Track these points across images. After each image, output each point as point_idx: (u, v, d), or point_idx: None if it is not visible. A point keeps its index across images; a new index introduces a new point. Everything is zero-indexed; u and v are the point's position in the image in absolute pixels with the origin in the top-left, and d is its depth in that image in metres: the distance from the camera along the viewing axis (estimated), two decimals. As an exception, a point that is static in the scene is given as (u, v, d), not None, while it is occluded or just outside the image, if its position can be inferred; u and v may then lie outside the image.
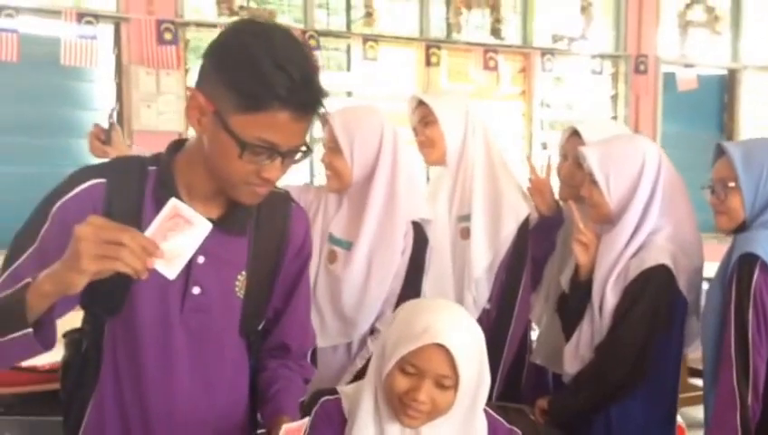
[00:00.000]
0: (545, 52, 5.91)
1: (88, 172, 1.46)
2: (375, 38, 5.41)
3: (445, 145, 2.52)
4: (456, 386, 1.64)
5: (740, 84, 6.60)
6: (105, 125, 2.66)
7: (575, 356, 2.29)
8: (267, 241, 1.55)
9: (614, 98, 6.27)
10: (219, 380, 1.56)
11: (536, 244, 2.56)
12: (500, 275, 2.51)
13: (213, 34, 1.64)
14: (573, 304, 2.32)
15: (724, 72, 6.63)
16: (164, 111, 4.65)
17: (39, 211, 1.42)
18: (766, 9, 6.73)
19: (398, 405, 1.64)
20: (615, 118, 6.17)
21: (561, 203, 2.56)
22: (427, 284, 2.39)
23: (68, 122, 4.57)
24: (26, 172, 4.39)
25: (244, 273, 1.54)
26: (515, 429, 1.84)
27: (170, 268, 1.24)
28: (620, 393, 2.19)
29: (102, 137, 2.63)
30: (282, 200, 1.59)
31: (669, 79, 6.26)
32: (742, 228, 2.07)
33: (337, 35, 5.42)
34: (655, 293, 2.13)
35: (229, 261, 1.51)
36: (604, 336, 2.21)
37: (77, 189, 1.42)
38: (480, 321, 2.24)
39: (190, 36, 4.82)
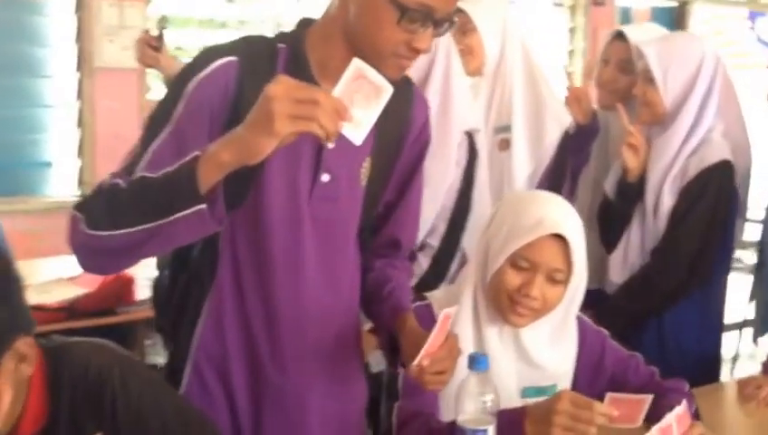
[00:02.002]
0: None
1: (219, 50, 1.36)
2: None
3: (484, 53, 2.42)
4: (566, 281, 1.59)
5: (690, 16, 6.68)
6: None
7: (624, 263, 2.26)
8: (392, 124, 1.45)
9: (572, 30, 6.26)
10: (343, 274, 1.50)
11: (572, 154, 2.50)
12: (541, 186, 2.44)
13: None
14: (622, 209, 2.28)
15: (675, 4, 6.70)
16: (129, 46, 4.37)
17: (173, 90, 1.34)
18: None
19: (506, 303, 1.59)
20: (572, 51, 6.18)
21: (597, 112, 2.50)
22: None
23: (22, 60, 4.24)
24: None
25: (368, 159, 1.45)
26: (602, 329, 1.80)
27: (357, 133, 1.15)
28: (675, 298, 2.16)
29: (154, 43, 2.52)
30: (404, 83, 1.49)
31: (624, 11, 6.30)
32: None
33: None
34: (717, 190, 2.11)
35: (356, 146, 1.40)
36: (660, 240, 2.18)
37: (210, 68, 1.33)
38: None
39: (153, -35, 4.57)
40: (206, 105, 1.30)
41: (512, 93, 2.43)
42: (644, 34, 2.32)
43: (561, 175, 2.43)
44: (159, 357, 2.80)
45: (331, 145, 1.14)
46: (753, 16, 6.76)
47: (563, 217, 1.58)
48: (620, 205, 2.28)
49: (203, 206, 1.17)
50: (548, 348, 1.67)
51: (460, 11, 2.44)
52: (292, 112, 1.10)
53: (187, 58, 2.76)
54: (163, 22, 2.54)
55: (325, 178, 1.40)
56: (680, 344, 2.16)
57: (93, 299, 2.71)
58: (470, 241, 2.34)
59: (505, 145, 2.45)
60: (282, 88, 1.11)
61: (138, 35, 2.74)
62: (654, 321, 2.21)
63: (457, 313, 1.64)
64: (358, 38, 1.31)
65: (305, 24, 1.42)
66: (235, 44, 1.38)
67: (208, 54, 1.35)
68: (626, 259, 2.26)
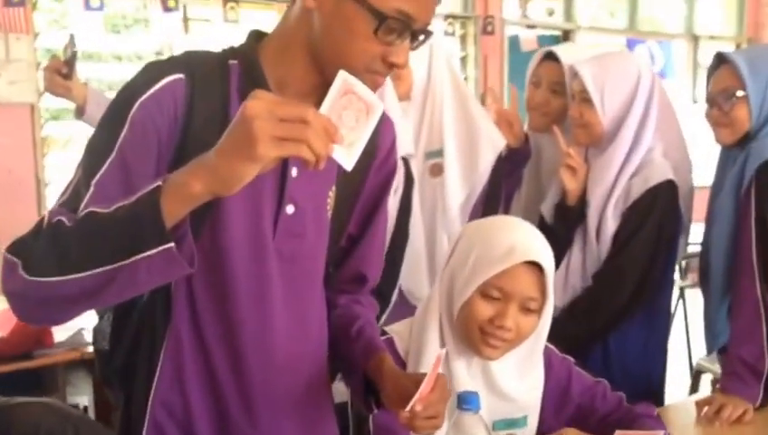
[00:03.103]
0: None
1: (163, 67, 1.19)
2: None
3: (411, 77, 2.33)
4: (540, 310, 1.51)
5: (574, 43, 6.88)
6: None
7: (564, 287, 2.20)
8: None
9: (464, 59, 6.32)
10: (312, 315, 1.36)
11: (504, 178, 2.45)
12: (476, 212, 2.36)
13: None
14: (562, 232, 2.22)
15: (559, 32, 6.89)
16: (15, 79, 4.07)
17: (114, 114, 1.16)
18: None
19: (478, 335, 1.50)
20: (466, 78, 6.24)
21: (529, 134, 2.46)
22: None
23: None
24: None
25: (333, 188, 1.32)
26: (567, 356, 1.74)
27: (348, 156, 1.02)
28: (620, 320, 2.12)
29: (64, 70, 2.28)
30: None
31: (513, 40, 6.42)
32: (744, 141, 2.05)
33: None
34: (662, 210, 2.08)
35: (322, 174, 1.24)
36: (603, 263, 2.13)
37: (155, 87, 1.16)
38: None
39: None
40: (152, 129, 1.15)
41: (442, 117, 2.35)
42: (575, 54, 2.29)
43: (496, 200, 2.36)
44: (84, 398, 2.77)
45: (322, 166, 0.99)
46: (631, 44, 7.03)
47: (535, 243, 1.51)
48: (560, 228, 2.22)
49: (170, 245, 1.01)
50: (516, 379, 1.60)
51: None
52: (278, 133, 0.96)
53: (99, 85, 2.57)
54: (72, 45, 2.29)
55: (290, 209, 1.26)
56: (626, 367, 2.12)
57: (8, 343, 2.53)
58: (406, 270, 2.25)
59: (437, 170, 2.37)
60: (264, 105, 0.96)
61: (26, 68, 2.52)
62: (599, 344, 2.16)
63: (424, 347, 1.55)
64: (325, 52, 1.18)
65: (256, 37, 1.27)
66: (181, 60, 1.22)
67: (151, 72, 1.19)
68: (566, 283, 2.20)
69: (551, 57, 2.35)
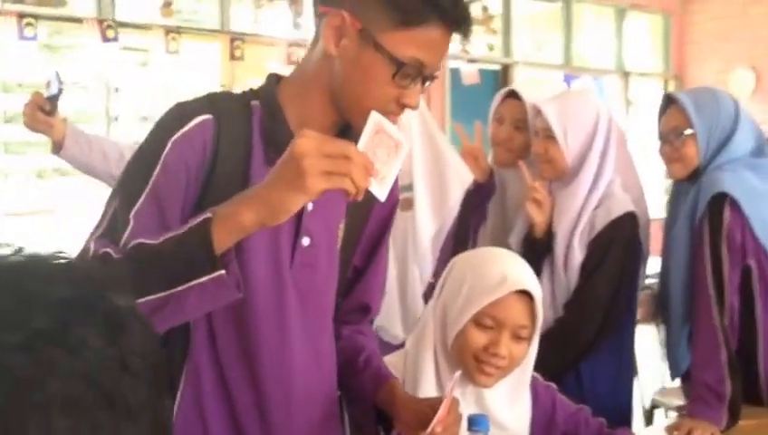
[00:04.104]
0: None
1: (193, 108, 1.27)
2: (177, 30, 5.10)
3: None
4: (530, 337, 1.58)
5: (513, 77, 7.07)
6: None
7: (534, 315, 2.28)
8: None
9: (406, 92, 6.42)
10: (324, 347, 1.40)
11: (471, 212, 2.52)
12: (447, 246, 2.43)
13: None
14: (529, 263, 2.30)
15: (499, 67, 7.08)
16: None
17: (148, 151, 1.24)
18: (531, 10, 7.28)
19: (473, 364, 1.55)
20: (408, 112, 6.34)
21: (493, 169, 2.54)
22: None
23: None
24: None
25: (344, 221, 1.38)
26: (551, 384, 1.80)
27: (382, 189, 1.12)
28: (591, 349, 2.20)
29: (47, 107, 2.26)
30: None
31: (455, 73, 6.57)
32: (694, 175, 2.18)
33: (137, 26, 5.02)
34: (625, 241, 2.17)
35: (334, 208, 1.34)
36: (573, 293, 2.21)
37: (187, 127, 1.24)
38: (425, 296, 2.16)
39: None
40: (182, 167, 1.23)
41: (411, 151, 2.42)
42: (536, 93, 2.39)
43: (466, 233, 2.44)
44: None
45: (360, 198, 1.09)
46: (567, 79, 7.26)
47: (525, 273, 1.59)
48: (529, 259, 2.29)
49: (222, 272, 1.07)
50: (507, 408, 1.65)
51: None
52: (325, 169, 1.06)
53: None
54: (58, 82, 2.27)
55: (306, 241, 1.31)
56: (597, 395, 2.19)
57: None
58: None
59: (407, 205, 2.43)
60: (312, 143, 1.06)
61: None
62: (572, 373, 2.24)
63: (420, 376, 1.60)
64: (345, 94, 1.27)
65: (275, 79, 1.35)
66: (207, 101, 1.29)
67: (182, 112, 1.27)
68: (536, 312, 2.28)
69: (513, 95, 2.44)
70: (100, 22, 4.76)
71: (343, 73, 1.25)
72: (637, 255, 2.23)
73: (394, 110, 1.26)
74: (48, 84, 2.33)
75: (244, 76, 5.55)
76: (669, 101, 2.23)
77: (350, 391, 1.45)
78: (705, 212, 2.08)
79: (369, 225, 1.45)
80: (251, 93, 1.33)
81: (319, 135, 1.09)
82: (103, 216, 1.22)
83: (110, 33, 4.80)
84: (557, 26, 7.31)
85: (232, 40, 5.36)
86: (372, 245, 1.48)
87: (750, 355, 2.09)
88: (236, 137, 1.26)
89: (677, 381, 2.49)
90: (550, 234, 2.27)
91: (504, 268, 1.56)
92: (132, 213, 1.19)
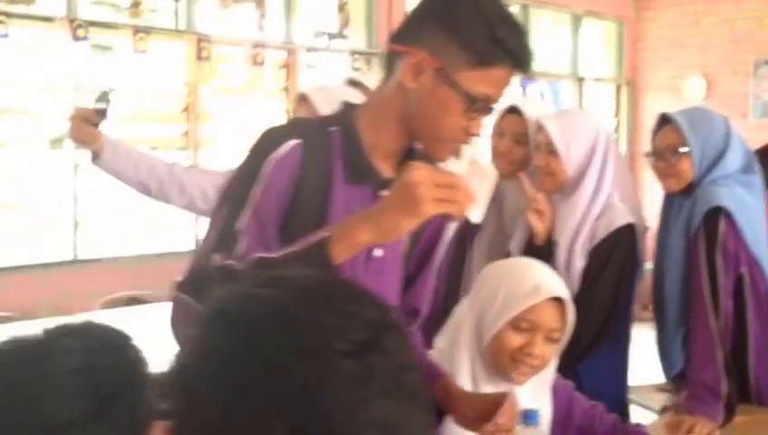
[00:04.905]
0: (310, 48, 5.99)
1: (285, 132, 1.42)
2: (146, 30, 5.09)
3: None
4: (560, 339, 1.72)
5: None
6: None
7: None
8: None
9: (368, 94, 6.49)
10: None
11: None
12: (450, 250, 2.52)
13: None
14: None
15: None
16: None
17: (248, 170, 1.41)
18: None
19: (509, 363, 1.70)
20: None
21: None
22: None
23: None
24: None
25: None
26: (569, 381, 1.95)
27: (476, 211, 1.27)
28: (592, 350, 2.32)
29: (95, 120, 2.34)
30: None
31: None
32: (686, 190, 2.32)
33: (106, 26, 5.00)
34: (624, 250, 2.30)
35: None
36: (574, 298, 2.31)
37: (282, 149, 1.39)
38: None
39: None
40: (278, 186, 1.38)
41: None
42: (538, 110, 2.50)
43: (468, 237, 2.53)
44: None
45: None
46: (524, 83, 7.42)
47: (557, 282, 1.74)
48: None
49: None
50: (532, 403, 1.76)
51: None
52: (437, 196, 1.21)
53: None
54: (108, 96, 2.37)
55: (378, 253, 1.44)
56: (595, 394, 2.31)
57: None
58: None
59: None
60: (425, 174, 1.23)
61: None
62: (570, 375, 2.35)
63: (457, 373, 1.73)
64: (420, 123, 1.41)
65: (349, 107, 1.50)
66: (295, 127, 1.47)
67: (277, 136, 1.42)
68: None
69: (513, 111, 2.54)
70: (71, 21, 4.73)
71: (419, 105, 1.39)
72: (635, 264, 2.36)
73: (461, 138, 1.40)
74: (99, 97, 2.41)
75: (209, 76, 5.57)
76: (664, 120, 2.37)
77: None
78: (701, 223, 2.23)
79: (426, 233, 1.58)
80: (328, 120, 1.48)
81: (429, 166, 1.23)
82: (212, 229, 1.39)
83: (81, 33, 4.77)
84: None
85: (198, 40, 5.37)
86: (426, 252, 1.61)
87: (741, 356, 2.24)
88: (320, 159, 1.40)
89: (644, 380, 2.66)
90: (550, 242, 2.38)
91: (537, 277, 1.71)
92: (240, 227, 1.34)
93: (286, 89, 5.97)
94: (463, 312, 1.79)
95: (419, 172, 1.22)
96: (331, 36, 6.19)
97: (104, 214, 5.10)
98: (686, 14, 7.66)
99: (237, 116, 5.71)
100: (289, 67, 5.96)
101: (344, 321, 0.60)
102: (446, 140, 1.41)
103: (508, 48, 1.36)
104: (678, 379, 2.37)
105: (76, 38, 4.76)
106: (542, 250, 2.38)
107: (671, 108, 2.50)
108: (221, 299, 0.68)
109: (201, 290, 1.25)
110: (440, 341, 1.82)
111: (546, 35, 7.65)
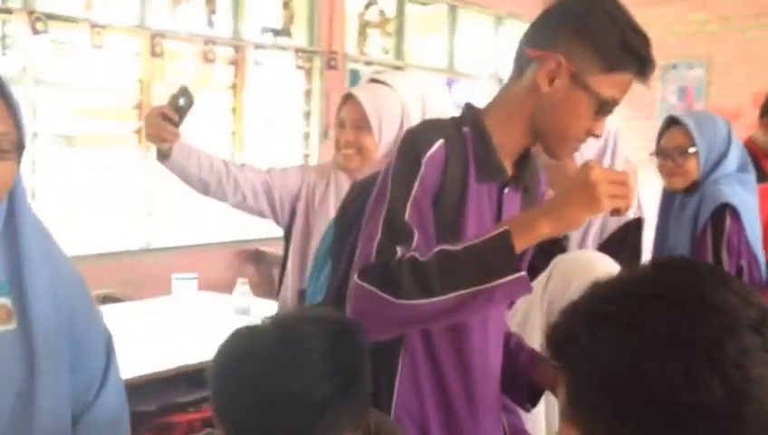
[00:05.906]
0: (258, 45, 6.06)
1: (434, 131, 1.52)
2: (102, 25, 5.07)
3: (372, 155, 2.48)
4: None
5: (403, 80, 7.41)
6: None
7: (548, 310, 2.65)
8: (534, 200, 1.70)
9: (308, 92, 6.61)
10: (502, 325, 1.73)
11: None
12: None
13: None
14: (540, 264, 2.66)
15: (392, 69, 7.40)
16: None
17: (407, 165, 1.49)
18: (425, 15, 7.68)
19: None
20: (309, 112, 6.57)
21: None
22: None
23: None
24: None
25: None
26: None
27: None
28: None
29: (176, 118, 2.31)
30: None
31: (354, 74, 6.83)
32: (690, 187, 2.62)
33: (65, 20, 4.94)
34: (633, 243, 2.56)
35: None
36: None
37: (434, 148, 1.49)
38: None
39: None
40: (430, 181, 1.48)
41: None
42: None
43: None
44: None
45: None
46: (450, 83, 7.72)
47: None
48: (542, 257, 2.66)
49: (523, 273, 1.36)
50: None
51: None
52: (612, 193, 1.35)
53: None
54: (188, 94, 2.35)
55: None
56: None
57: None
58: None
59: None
60: (602, 173, 1.36)
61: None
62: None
63: None
64: (549, 124, 1.52)
65: (473, 109, 1.60)
66: (438, 128, 1.55)
67: (428, 135, 1.52)
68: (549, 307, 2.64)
69: (674, 121, 2.70)
70: (30, 13, 4.67)
71: (551, 108, 1.50)
72: (640, 254, 2.64)
73: (584, 137, 1.54)
74: (177, 95, 2.38)
75: (163, 72, 5.57)
76: (672, 122, 2.65)
77: (517, 367, 1.74)
78: (708, 219, 2.51)
79: None
80: (459, 120, 1.58)
81: (604, 167, 1.39)
82: (375, 223, 1.46)
83: (40, 26, 4.72)
84: (443, 31, 7.75)
85: (153, 36, 5.38)
86: None
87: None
88: (458, 159, 1.51)
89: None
90: (559, 236, 2.63)
91: (607, 269, 1.91)
92: (406, 219, 1.44)
93: (234, 86, 6.02)
94: (533, 300, 2.00)
95: (597, 172, 1.34)
96: (276, 33, 6.27)
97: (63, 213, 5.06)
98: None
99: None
100: (237, 64, 6.02)
101: (744, 302, 0.79)
102: (571, 139, 1.52)
103: (637, 55, 1.46)
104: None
105: (36, 32, 4.71)
106: (555, 244, 2.63)
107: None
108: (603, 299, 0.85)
109: (387, 280, 1.38)
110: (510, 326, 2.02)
111: (470, 35, 7.94)
